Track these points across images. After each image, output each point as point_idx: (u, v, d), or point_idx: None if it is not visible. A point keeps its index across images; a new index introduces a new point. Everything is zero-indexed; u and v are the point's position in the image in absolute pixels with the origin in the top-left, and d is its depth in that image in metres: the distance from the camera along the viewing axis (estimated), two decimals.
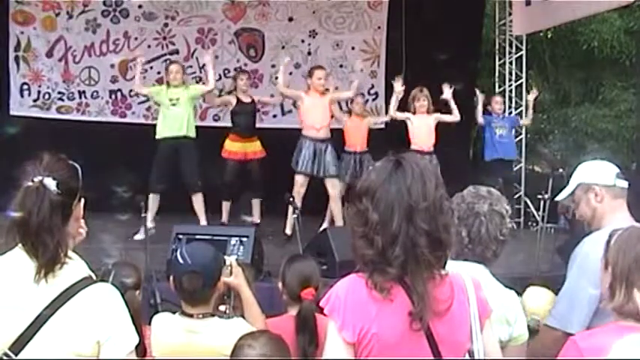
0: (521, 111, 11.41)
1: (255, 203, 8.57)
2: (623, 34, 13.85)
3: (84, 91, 10.15)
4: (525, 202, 10.92)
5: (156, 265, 5.83)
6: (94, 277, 2.15)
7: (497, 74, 11.52)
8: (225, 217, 8.43)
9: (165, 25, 10.25)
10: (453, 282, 2.11)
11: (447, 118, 8.73)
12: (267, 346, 2.70)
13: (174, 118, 8.01)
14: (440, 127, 8.73)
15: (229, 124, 9.92)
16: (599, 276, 2.36)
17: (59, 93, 10.11)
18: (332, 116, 8.47)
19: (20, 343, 2.03)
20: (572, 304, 2.88)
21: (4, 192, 2.15)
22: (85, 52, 10.13)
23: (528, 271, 6.80)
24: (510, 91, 11.38)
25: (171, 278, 3.07)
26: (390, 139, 8.69)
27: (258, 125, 8.86)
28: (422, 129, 8.58)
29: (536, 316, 3.18)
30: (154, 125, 8.53)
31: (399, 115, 8.61)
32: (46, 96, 10.08)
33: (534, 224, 9.76)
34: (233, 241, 6.01)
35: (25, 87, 10.04)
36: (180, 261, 3.01)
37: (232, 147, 8.44)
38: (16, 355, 2.02)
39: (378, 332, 2.00)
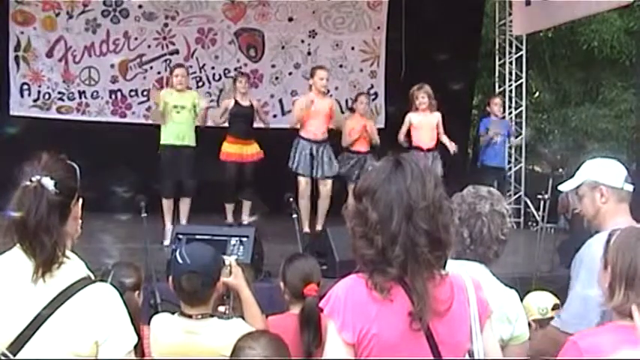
0: (521, 111, 11.43)
1: (246, 205, 8.54)
2: (623, 34, 13.84)
3: (84, 91, 10.15)
4: (525, 202, 10.93)
5: (156, 265, 5.84)
6: (93, 277, 2.15)
7: (497, 74, 11.53)
8: (229, 218, 8.43)
9: (165, 25, 10.25)
10: (453, 282, 2.11)
11: (445, 140, 8.65)
12: (267, 347, 2.69)
13: (178, 126, 8.00)
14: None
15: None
16: (600, 276, 2.36)
17: (59, 93, 10.11)
18: (330, 117, 8.43)
19: (19, 343, 2.02)
20: (586, 309, 2.82)
21: (4, 192, 2.14)
22: (85, 52, 10.13)
23: (528, 271, 6.80)
24: (510, 91, 11.39)
25: (170, 278, 3.07)
26: (390, 139, 8.69)
27: (257, 125, 8.85)
28: (423, 127, 8.56)
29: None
30: (154, 125, 8.54)
31: (403, 131, 8.61)
32: (46, 96, 10.08)
33: (534, 224, 9.77)
34: (233, 241, 6.01)
35: (25, 87, 10.04)
36: (180, 261, 3.01)
37: (230, 149, 8.42)
38: (15, 355, 2.02)
39: (378, 333, 1.99)
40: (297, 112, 8.34)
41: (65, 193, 2.13)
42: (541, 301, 4.28)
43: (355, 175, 8.33)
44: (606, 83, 14.61)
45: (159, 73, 10.29)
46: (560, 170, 9.24)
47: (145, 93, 10.28)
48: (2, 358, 2.02)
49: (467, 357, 2.17)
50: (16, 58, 10.02)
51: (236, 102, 8.49)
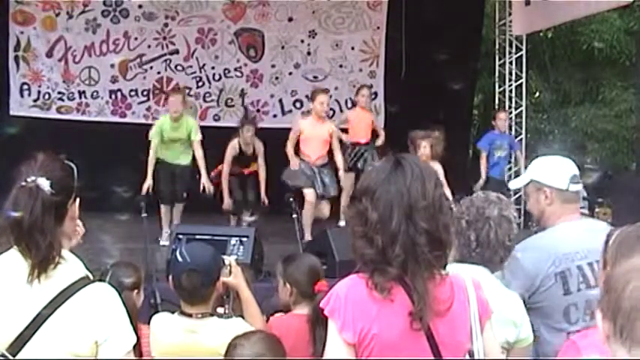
0: (521, 111, 11.42)
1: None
2: (623, 34, 13.85)
3: (84, 91, 10.15)
4: (525, 202, 10.90)
5: (156, 265, 5.84)
6: (91, 277, 2.15)
7: (497, 74, 11.52)
8: (233, 224, 8.42)
9: (166, 25, 10.25)
10: (454, 282, 2.11)
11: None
12: (257, 345, 2.69)
13: (173, 150, 8.06)
14: (439, 126, 8.71)
15: (229, 124, 9.96)
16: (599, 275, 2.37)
17: (59, 93, 10.11)
18: (330, 144, 8.32)
19: (18, 343, 2.02)
20: None
21: (3, 192, 2.14)
22: (85, 52, 10.12)
23: None
24: (510, 91, 11.38)
25: (170, 277, 3.07)
26: (390, 139, 8.69)
27: (260, 125, 8.86)
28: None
29: None
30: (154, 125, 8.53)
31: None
32: (46, 96, 10.08)
33: (534, 224, 9.75)
34: (233, 241, 6.01)
35: (25, 87, 10.04)
36: (180, 259, 3.02)
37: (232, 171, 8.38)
38: (14, 355, 2.02)
39: (378, 332, 1.99)
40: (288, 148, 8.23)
41: (62, 193, 2.12)
42: None
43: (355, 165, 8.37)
44: (606, 83, 14.60)
45: (159, 73, 10.29)
46: None
47: (145, 93, 10.28)
48: (2, 359, 2.02)
49: (467, 357, 2.17)
50: (16, 58, 10.01)
51: (240, 151, 8.33)
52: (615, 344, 1.58)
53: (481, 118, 14.42)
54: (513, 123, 11.39)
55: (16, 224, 2.05)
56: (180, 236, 6.10)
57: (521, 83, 11.38)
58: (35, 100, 10.05)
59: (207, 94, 10.38)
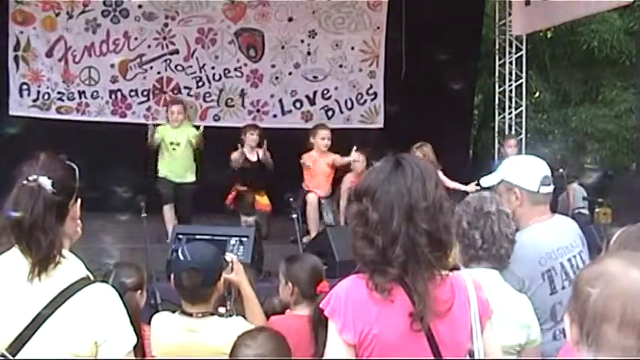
0: (521, 111, 11.42)
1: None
2: (623, 34, 13.83)
3: (84, 91, 10.13)
4: None
5: (156, 265, 5.84)
6: (92, 278, 2.15)
7: (497, 74, 11.52)
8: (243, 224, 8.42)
9: (166, 25, 10.24)
10: (454, 283, 2.11)
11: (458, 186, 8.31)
12: (264, 345, 2.69)
13: (176, 162, 8.05)
14: (439, 126, 8.72)
15: (229, 124, 9.98)
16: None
17: (59, 93, 10.09)
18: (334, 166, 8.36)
19: (18, 343, 2.02)
20: None
21: (3, 192, 2.14)
22: (85, 52, 10.11)
23: None
24: (510, 91, 11.38)
25: (172, 276, 3.07)
26: (389, 140, 8.69)
27: (263, 125, 8.84)
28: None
29: None
30: (154, 125, 8.52)
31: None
32: (46, 96, 10.06)
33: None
34: (233, 241, 6.01)
35: (25, 87, 10.03)
36: (181, 257, 3.03)
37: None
38: (14, 355, 2.02)
39: (378, 333, 1.99)
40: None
41: (63, 193, 2.12)
42: None
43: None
44: (606, 83, 14.59)
45: (159, 73, 10.28)
46: (561, 170, 9.19)
47: (145, 93, 10.27)
48: (1, 358, 2.01)
49: (467, 357, 2.16)
50: (16, 57, 10.00)
51: (245, 158, 8.29)
52: (582, 349, 1.58)
53: (481, 118, 14.41)
54: (513, 123, 11.39)
55: (17, 223, 2.05)
56: (180, 236, 6.10)
57: (521, 83, 11.38)
58: (35, 100, 10.04)
59: (207, 94, 10.37)
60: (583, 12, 9.76)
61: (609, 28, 13.52)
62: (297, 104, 10.53)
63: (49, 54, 10.05)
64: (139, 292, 3.53)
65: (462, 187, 8.06)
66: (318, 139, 8.29)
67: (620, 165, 14.39)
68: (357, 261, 2.09)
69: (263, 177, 8.37)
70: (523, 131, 11.38)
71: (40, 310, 2.03)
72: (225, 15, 10.36)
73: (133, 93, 10.22)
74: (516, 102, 11.40)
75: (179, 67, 10.29)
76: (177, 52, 10.28)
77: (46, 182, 2.08)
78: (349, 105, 10.57)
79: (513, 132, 11.33)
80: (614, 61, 14.08)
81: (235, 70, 10.38)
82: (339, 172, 8.49)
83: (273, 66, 10.45)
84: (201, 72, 10.35)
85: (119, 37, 10.15)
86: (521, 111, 11.42)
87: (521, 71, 11.35)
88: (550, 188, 3.08)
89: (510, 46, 11.32)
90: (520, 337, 2.64)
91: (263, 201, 8.40)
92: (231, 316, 3.06)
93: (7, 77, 9.94)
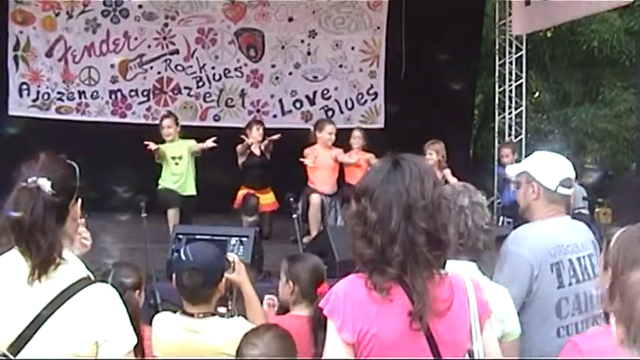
0: (521, 111, 11.42)
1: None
2: (623, 34, 13.83)
3: (84, 91, 10.13)
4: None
5: (156, 265, 5.84)
6: (92, 278, 2.15)
7: (497, 74, 11.51)
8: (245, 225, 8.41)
9: (166, 25, 10.24)
10: (453, 282, 2.11)
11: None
12: (271, 345, 2.68)
13: (178, 175, 8.03)
14: (439, 126, 8.71)
15: (229, 124, 9.97)
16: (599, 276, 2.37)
17: (59, 93, 10.09)
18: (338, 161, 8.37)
19: (19, 343, 2.02)
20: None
21: (3, 192, 2.14)
22: (84, 52, 10.11)
23: None
24: (510, 91, 11.38)
25: (173, 276, 3.07)
26: (390, 140, 8.68)
27: (267, 126, 8.83)
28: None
29: None
30: (154, 125, 8.52)
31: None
32: (46, 96, 10.06)
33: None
34: (233, 241, 6.00)
35: (25, 87, 10.02)
36: (183, 258, 3.04)
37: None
38: (15, 355, 2.02)
39: (377, 332, 1.99)
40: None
41: (63, 194, 2.12)
42: None
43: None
44: (606, 83, 14.59)
45: (159, 73, 10.28)
46: None
47: (145, 93, 10.27)
48: (3, 358, 2.01)
49: (467, 357, 2.16)
50: (15, 57, 10.00)
51: (250, 152, 8.32)
52: (629, 348, 1.69)
53: (481, 118, 14.41)
54: (513, 123, 11.39)
55: (16, 224, 2.05)
56: (181, 236, 6.09)
57: (521, 83, 11.38)
58: (34, 100, 10.04)
59: (208, 94, 10.37)
60: (583, 12, 9.76)
61: (609, 28, 13.52)
62: (297, 104, 10.53)
63: (49, 54, 10.05)
64: (138, 291, 3.53)
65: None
66: (325, 133, 8.31)
67: (620, 165, 14.40)
68: (356, 260, 2.09)
69: (268, 173, 8.40)
70: (523, 131, 11.38)
71: (41, 310, 2.03)
72: (225, 15, 10.37)
73: (133, 93, 10.22)
74: (516, 102, 11.40)
75: (179, 67, 10.29)
76: (177, 52, 10.28)
77: (45, 184, 2.07)
78: (349, 105, 10.57)
79: (513, 132, 11.32)
80: (614, 61, 14.08)
81: (235, 70, 10.38)
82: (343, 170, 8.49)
83: (273, 66, 10.45)
84: (201, 72, 10.35)
85: (119, 37, 10.15)
86: (521, 111, 11.41)
87: (521, 71, 11.34)
88: (569, 191, 3.08)
89: (510, 46, 11.31)
90: (496, 330, 2.63)
91: (268, 200, 8.40)
92: (232, 316, 3.07)
93: (7, 77, 9.94)
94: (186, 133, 8.34)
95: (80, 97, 10.12)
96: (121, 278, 3.31)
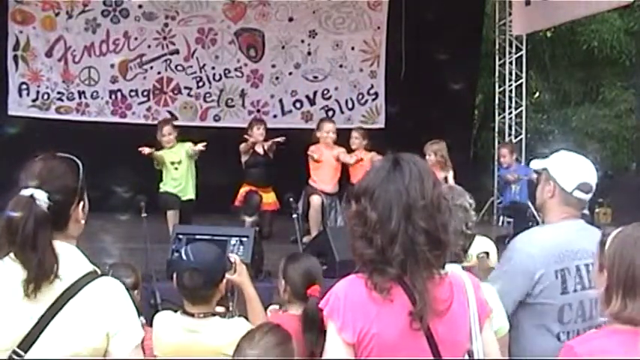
0: (521, 111, 11.42)
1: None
2: (623, 34, 13.83)
3: (83, 92, 10.13)
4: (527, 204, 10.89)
5: (156, 265, 5.84)
6: (99, 272, 2.14)
7: (497, 74, 11.52)
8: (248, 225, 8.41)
9: (166, 25, 10.24)
10: (453, 282, 2.11)
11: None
12: (268, 344, 2.67)
13: (178, 180, 8.05)
14: (440, 126, 8.71)
15: (230, 125, 9.98)
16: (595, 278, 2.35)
17: (58, 93, 10.09)
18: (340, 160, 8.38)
19: (29, 340, 2.02)
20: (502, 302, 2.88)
21: (2, 192, 2.13)
22: (84, 52, 10.11)
23: None
24: (510, 91, 11.38)
25: (174, 276, 3.08)
26: (390, 139, 8.68)
27: (270, 126, 8.84)
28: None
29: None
30: (154, 125, 8.52)
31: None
32: (45, 96, 10.06)
33: (535, 224, 9.74)
34: (233, 241, 6.00)
35: (24, 87, 10.02)
36: (184, 258, 3.04)
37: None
38: (26, 352, 2.01)
39: (378, 332, 1.99)
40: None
41: (62, 201, 2.09)
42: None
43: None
44: (606, 83, 14.59)
45: (159, 73, 10.28)
46: None
47: (145, 93, 10.27)
48: (14, 357, 2.01)
49: (466, 357, 2.16)
50: (15, 57, 10.00)
51: (253, 151, 8.37)
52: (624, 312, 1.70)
53: (481, 118, 14.41)
54: (513, 123, 11.40)
55: (10, 235, 2.03)
56: (181, 236, 6.09)
57: (521, 83, 11.39)
58: (34, 100, 10.04)
59: (208, 95, 10.37)
60: (583, 12, 9.76)
61: (609, 28, 13.52)
62: (298, 104, 10.53)
63: (49, 54, 10.05)
64: (136, 291, 3.54)
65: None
66: (324, 132, 8.38)
67: (620, 165, 14.38)
68: (356, 261, 2.09)
69: (271, 171, 8.42)
70: (523, 131, 11.38)
71: (49, 306, 2.02)
72: (225, 15, 10.37)
73: (133, 93, 10.22)
74: (516, 102, 11.41)
75: (179, 67, 10.29)
76: (177, 52, 10.28)
77: (40, 196, 2.05)
78: (350, 105, 10.57)
79: (513, 132, 11.33)
80: (614, 61, 14.08)
81: (235, 70, 10.38)
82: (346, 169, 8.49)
83: (273, 66, 10.45)
84: (201, 72, 10.35)
85: (119, 37, 10.15)
86: (521, 111, 11.42)
87: (521, 71, 11.35)
88: (586, 196, 3.06)
89: (510, 46, 11.32)
90: None
91: (270, 199, 8.41)
92: (233, 316, 3.07)
93: (7, 77, 9.93)
94: (187, 133, 8.34)
95: (80, 97, 10.12)
96: (119, 278, 3.31)
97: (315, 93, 10.54)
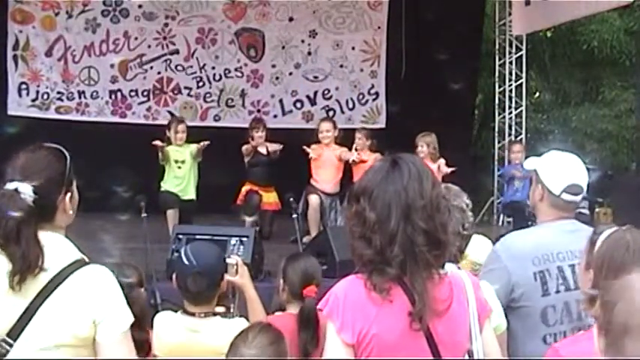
0: (521, 111, 11.42)
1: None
2: (623, 34, 13.84)
3: (83, 91, 10.13)
4: (526, 203, 10.90)
5: (156, 265, 5.84)
6: (87, 260, 2.13)
7: (497, 74, 11.51)
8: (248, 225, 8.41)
9: (166, 25, 10.24)
10: (453, 282, 2.11)
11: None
12: (261, 344, 2.67)
13: (180, 179, 8.06)
14: (440, 126, 8.70)
15: (229, 125, 9.99)
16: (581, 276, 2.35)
17: (58, 93, 10.09)
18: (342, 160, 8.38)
19: (17, 328, 2.02)
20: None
21: None
22: (84, 51, 10.11)
23: None
24: (510, 91, 11.38)
25: (174, 277, 3.07)
26: (391, 139, 8.68)
27: (270, 126, 8.83)
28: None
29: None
30: (154, 125, 8.53)
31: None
32: (45, 96, 10.06)
33: (534, 224, 9.72)
34: (233, 241, 6.00)
35: (24, 86, 10.02)
36: (185, 262, 3.02)
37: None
38: (15, 340, 2.02)
39: (377, 333, 1.99)
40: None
41: (47, 194, 2.08)
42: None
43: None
44: (606, 83, 14.59)
45: (159, 73, 10.28)
46: None
47: (145, 93, 10.27)
48: (3, 344, 2.01)
49: (466, 357, 2.16)
50: (15, 57, 9.99)
51: (255, 151, 8.40)
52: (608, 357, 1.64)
53: (481, 118, 14.41)
54: (513, 123, 11.39)
55: None
56: (181, 236, 6.09)
57: (521, 83, 11.38)
58: (34, 100, 10.03)
59: (208, 95, 10.37)
60: (583, 12, 9.76)
61: (609, 28, 13.53)
62: (298, 104, 10.53)
63: (49, 53, 10.05)
64: (142, 289, 3.54)
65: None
66: (319, 132, 8.40)
67: (620, 165, 14.38)
68: (355, 261, 2.09)
69: (273, 171, 8.43)
70: (523, 131, 11.38)
71: (36, 295, 2.03)
72: (225, 15, 10.37)
73: (133, 93, 10.22)
74: (516, 102, 11.40)
75: (179, 67, 10.29)
76: (177, 52, 10.28)
77: (25, 190, 2.05)
78: (350, 105, 10.57)
79: (513, 132, 11.32)
80: (614, 61, 14.09)
81: (236, 70, 10.38)
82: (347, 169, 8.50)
83: (273, 66, 10.45)
84: (201, 72, 10.35)
85: (119, 37, 10.15)
86: (521, 111, 11.42)
87: (521, 71, 11.35)
88: (576, 198, 3.00)
89: (510, 46, 11.32)
90: None
91: (271, 199, 8.42)
92: (233, 317, 3.07)
93: (6, 77, 9.93)
94: (187, 133, 8.34)
95: (80, 97, 10.12)
96: (124, 278, 3.31)
97: (315, 93, 10.54)
